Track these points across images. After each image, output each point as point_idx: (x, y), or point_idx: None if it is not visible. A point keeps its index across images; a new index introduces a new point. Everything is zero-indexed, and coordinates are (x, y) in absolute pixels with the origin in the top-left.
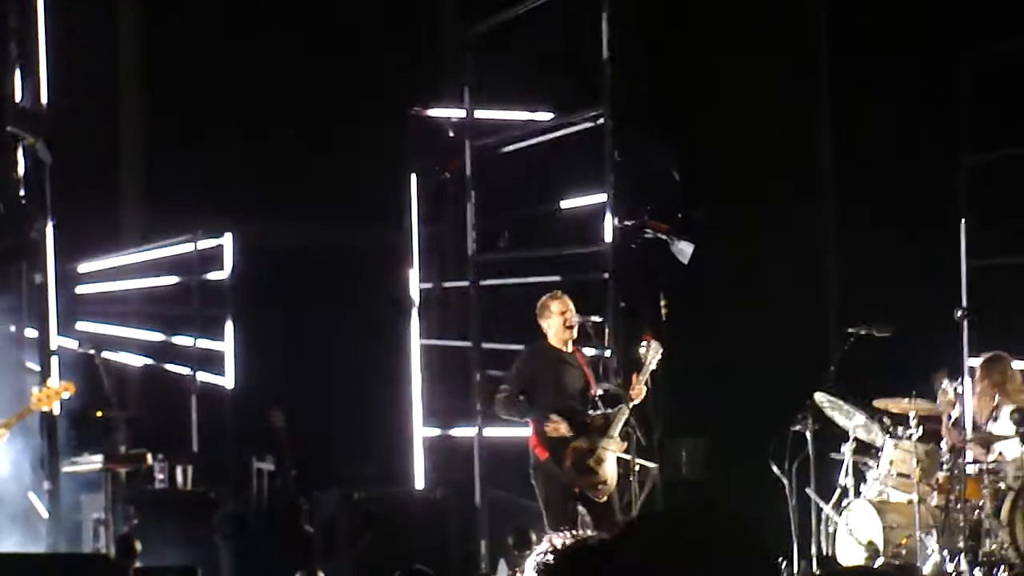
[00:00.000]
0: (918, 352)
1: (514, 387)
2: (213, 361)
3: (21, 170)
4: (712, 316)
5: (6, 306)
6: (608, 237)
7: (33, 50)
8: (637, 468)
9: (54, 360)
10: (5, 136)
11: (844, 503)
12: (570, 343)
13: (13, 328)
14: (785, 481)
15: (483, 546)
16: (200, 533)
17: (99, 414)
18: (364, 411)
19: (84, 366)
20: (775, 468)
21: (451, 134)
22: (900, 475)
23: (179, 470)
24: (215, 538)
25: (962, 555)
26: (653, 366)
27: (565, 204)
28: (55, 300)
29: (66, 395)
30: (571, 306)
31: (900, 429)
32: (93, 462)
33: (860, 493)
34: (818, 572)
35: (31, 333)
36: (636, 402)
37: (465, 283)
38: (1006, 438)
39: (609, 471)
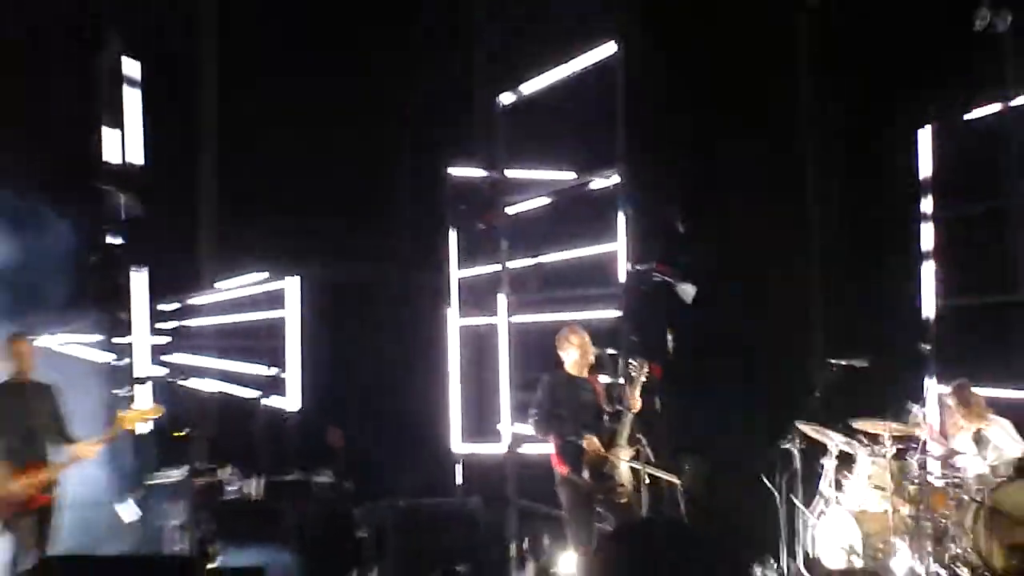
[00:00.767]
0: (889, 380)
1: (542, 409)
2: (278, 387)
3: (113, 222)
4: (712, 348)
5: (101, 340)
6: (621, 280)
7: (123, 115)
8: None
9: (139, 394)
10: (99, 192)
11: (826, 511)
12: (586, 370)
13: (108, 360)
14: (775, 492)
15: (512, 549)
16: (267, 537)
17: (180, 433)
18: (409, 430)
19: (168, 391)
20: (766, 481)
21: (485, 191)
22: (876, 487)
23: (249, 482)
24: (281, 542)
25: (930, 559)
26: (642, 380)
27: (584, 251)
28: (143, 335)
29: (154, 417)
30: (587, 338)
31: (875, 447)
32: (175, 475)
33: (841, 503)
34: (806, 573)
35: (123, 364)
36: (634, 411)
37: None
38: (964, 454)
39: (624, 476)
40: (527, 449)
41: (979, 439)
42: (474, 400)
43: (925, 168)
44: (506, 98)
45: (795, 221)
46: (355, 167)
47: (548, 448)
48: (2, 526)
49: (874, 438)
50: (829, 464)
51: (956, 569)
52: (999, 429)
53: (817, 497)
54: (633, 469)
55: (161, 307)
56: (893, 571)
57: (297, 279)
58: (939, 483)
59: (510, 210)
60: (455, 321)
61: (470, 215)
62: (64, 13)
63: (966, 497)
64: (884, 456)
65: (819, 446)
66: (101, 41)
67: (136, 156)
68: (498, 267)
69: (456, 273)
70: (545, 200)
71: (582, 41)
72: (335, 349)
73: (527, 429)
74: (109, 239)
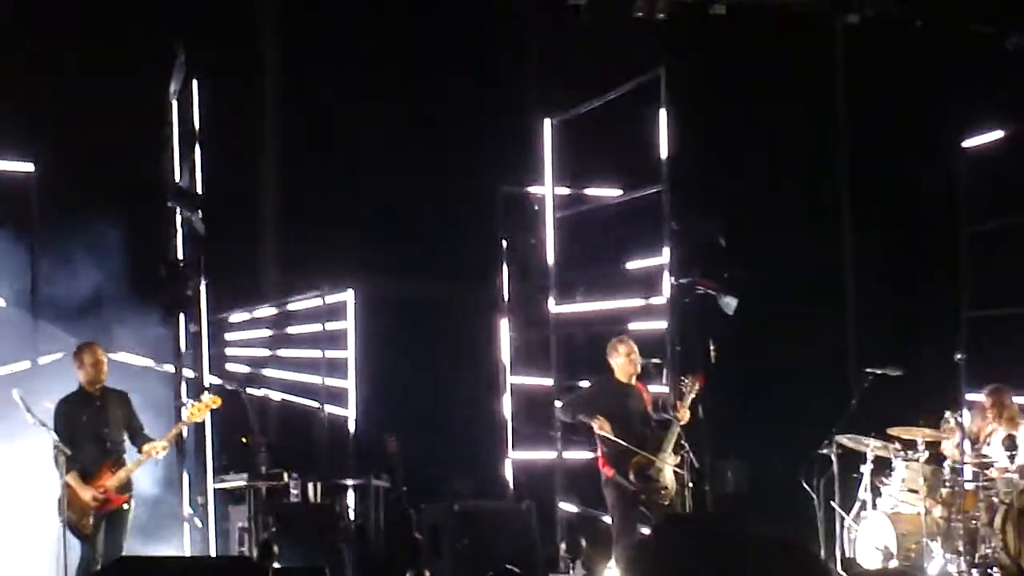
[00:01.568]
0: (924, 388)
1: (576, 399)
2: (338, 396)
3: (180, 238)
4: (753, 358)
5: (168, 351)
6: (666, 292)
7: (190, 136)
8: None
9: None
10: (167, 211)
11: (863, 514)
12: (634, 378)
13: (173, 369)
14: (814, 496)
15: (561, 549)
16: (328, 539)
17: (244, 439)
18: (463, 437)
19: (232, 400)
20: (805, 485)
21: (536, 207)
22: (910, 491)
23: (310, 486)
24: (339, 543)
25: (961, 558)
26: (692, 395)
27: (630, 265)
28: (208, 346)
29: (214, 406)
30: (635, 348)
31: (910, 452)
32: (239, 479)
33: (876, 506)
34: (843, 574)
35: (188, 373)
36: (683, 423)
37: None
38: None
39: (668, 479)
40: (574, 455)
41: (1011, 443)
42: (524, 407)
43: (959, 182)
44: (557, 118)
45: (832, 234)
46: (413, 187)
47: (595, 453)
48: (78, 529)
49: (909, 444)
50: (866, 470)
51: (987, 569)
52: None
53: (856, 502)
54: (676, 474)
55: (225, 319)
56: (926, 571)
57: (355, 292)
58: (970, 486)
59: (560, 225)
60: (506, 332)
61: (522, 230)
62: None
63: (996, 499)
64: (918, 460)
65: (857, 453)
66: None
67: (202, 175)
68: (547, 280)
69: (508, 285)
70: (593, 216)
71: (630, 65)
72: (392, 360)
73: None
74: (176, 254)
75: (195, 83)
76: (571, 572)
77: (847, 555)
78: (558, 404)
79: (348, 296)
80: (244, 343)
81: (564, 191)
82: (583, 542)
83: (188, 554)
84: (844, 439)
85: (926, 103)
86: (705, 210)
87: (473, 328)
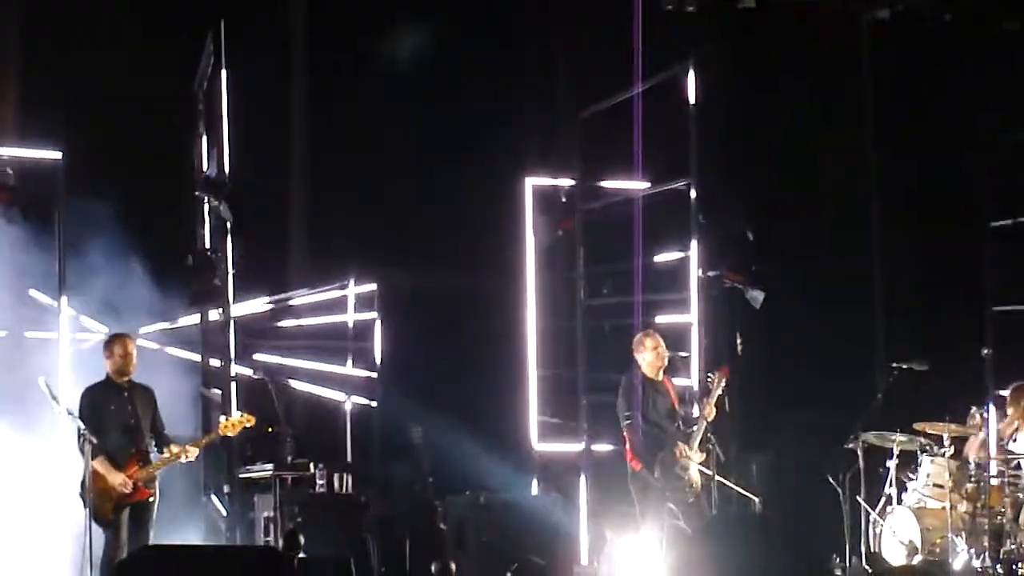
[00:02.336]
0: (950, 383)
1: (637, 413)
2: (363, 386)
3: (207, 228)
4: (779, 352)
5: (194, 340)
6: (693, 285)
7: (218, 127)
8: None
9: (233, 385)
10: (195, 200)
11: (888, 509)
12: (661, 372)
13: (199, 358)
14: (839, 490)
15: (586, 541)
16: (353, 529)
17: (269, 429)
18: (488, 429)
19: (258, 390)
20: (831, 479)
21: (564, 199)
22: (935, 486)
23: (336, 477)
24: (364, 534)
25: (986, 553)
26: (719, 392)
27: (658, 258)
28: (235, 335)
29: (248, 426)
30: (662, 342)
31: (935, 447)
32: (265, 469)
33: (902, 501)
34: (868, 568)
35: (215, 363)
36: (709, 420)
37: (574, 323)
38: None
39: (694, 476)
40: (600, 447)
41: None
42: (551, 400)
43: (987, 178)
44: (586, 111)
45: (859, 229)
46: (442, 178)
47: (621, 446)
48: (99, 516)
49: (935, 439)
50: (892, 465)
51: (1012, 565)
52: None
53: (882, 496)
54: (702, 472)
55: (252, 308)
56: (951, 566)
57: (383, 283)
58: (996, 482)
59: (587, 217)
60: (533, 324)
61: (549, 222)
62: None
63: (1022, 495)
64: (943, 456)
65: (882, 448)
66: (199, 52)
67: (229, 164)
68: (575, 272)
69: (535, 278)
70: (621, 208)
71: (659, 58)
72: (418, 351)
73: (623, 429)
74: (204, 244)
75: (224, 73)
76: (596, 564)
77: (872, 549)
78: (624, 427)
79: (374, 287)
80: (271, 333)
81: (592, 184)
82: (608, 534)
83: (214, 544)
84: (870, 435)
85: (954, 99)
86: (732, 204)
87: (499, 320)
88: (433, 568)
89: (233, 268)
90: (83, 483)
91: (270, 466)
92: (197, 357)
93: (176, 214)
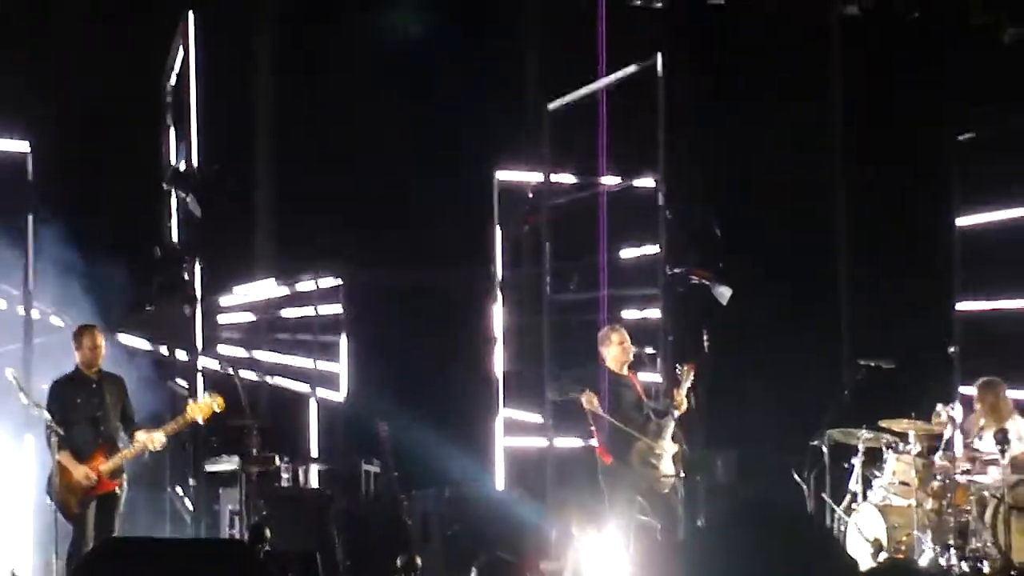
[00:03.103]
0: (916, 380)
1: (565, 378)
2: (329, 380)
3: (175, 220)
4: (745, 348)
5: (160, 333)
6: (660, 281)
7: (186, 120)
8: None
9: (199, 378)
10: (163, 193)
11: (854, 507)
12: (626, 367)
13: (166, 351)
14: (805, 487)
15: (552, 536)
16: (318, 524)
17: (235, 423)
18: (454, 424)
19: (223, 383)
20: (796, 476)
21: (530, 193)
22: (901, 483)
23: (301, 471)
24: (330, 528)
25: (952, 551)
26: (687, 384)
27: (625, 253)
28: (201, 327)
29: (217, 409)
30: (627, 337)
31: (901, 445)
32: (231, 463)
33: (867, 498)
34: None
35: (181, 355)
36: (680, 411)
37: (540, 317)
38: (990, 455)
39: (668, 467)
40: (565, 442)
41: (1003, 437)
42: (516, 395)
43: (953, 176)
44: (553, 104)
45: (826, 226)
46: (407, 171)
47: (589, 441)
48: (65, 510)
49: (901, 436)
50: (857, 462)
51: (977, 563)
52: (1021, 428)
53: (847, 494)
54: (675, 462)
55: (218, 301)
56: (916, 562)
57: (349, 277)
58: (962, 479)
59: (554, 212)
60: (499, 319)
61: (515, 217)
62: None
63: (987, 493)
64: (909, 453)
65: (848, 445)
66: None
67: (197, 157)
68: (541, 267)
69: (501, 272)
70: (588, 203)
71: (627, 53)
72: (384, 345)
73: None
74: (172, 236)
75: (192, 66)
76: (562, 559)
77: None
78: (549, 387)
79: (340, 280)
80: (237, 326)
81: (559, 178)
82: (574, 529)
83: (178, 536)
84: (836, 432)
85: (923, 95)
86: (700, 200)
87: (466, 315)
88: (398, 562)
89: (200, 261)
90: (49, 477)
91: (236, 459)
92: (164, 350)
93: (144, 206)
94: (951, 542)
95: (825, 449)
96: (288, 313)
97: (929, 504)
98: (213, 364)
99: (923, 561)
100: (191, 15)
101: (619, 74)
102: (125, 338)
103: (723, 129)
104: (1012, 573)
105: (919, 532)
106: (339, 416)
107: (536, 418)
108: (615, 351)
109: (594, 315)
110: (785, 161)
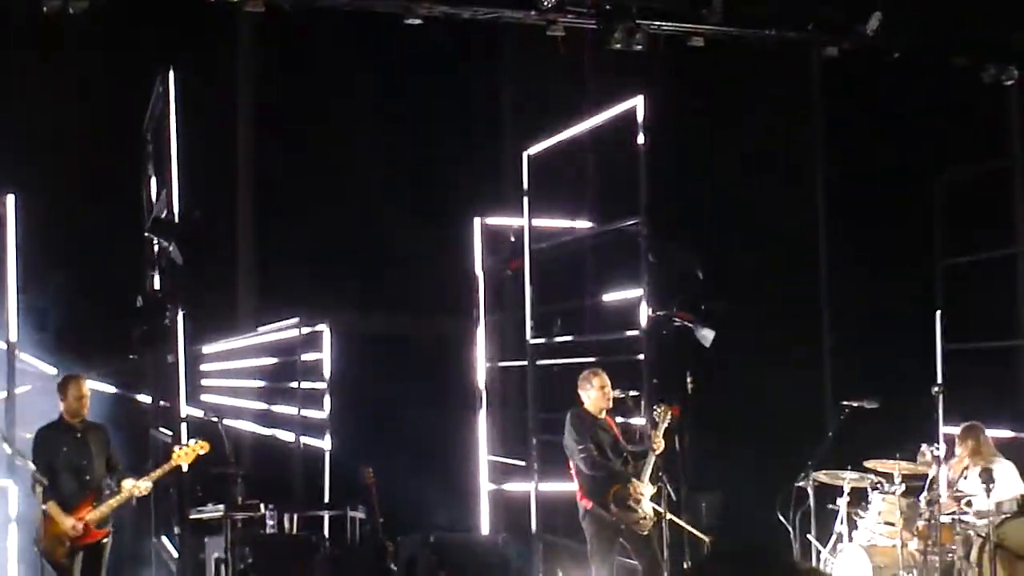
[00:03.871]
0: (900, 421)
1: (588, 448)
2: (313, 427)
3: (157, 268)
4: (730, 391)
5: (145, 381)
6: (643, 324)
7: (167, 168)
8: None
9: (183, 426)
10: (144, 241)
11: (839, 547)
12: (604, 412)
13: (149, 399)
14: (790, 528)
15: None
16: (304, 571)
17: (219, 471)
18: (439, 469)
19: (207, 431)
20: (781, 517)
21: (512, 238)
22: (886, 523)
23: (286, 518)
24: (316, 574)
25: None
26: (665, 424)
27: (607, 297)
28: (184, 376)
29: (202, 452)
30: (608, 382)
31: (886, 485)
32: (216, 511)
33: (853, 539)
34: None
35: (164, 403)
36: (658, 452)
37: (523, 363)
38: (974, 495)
39: (647, 509)
40: (550, 487)
41: (988, 477)
42: (501, 440)
43: (936, 215)
44: (533, 149)
45: (809, 268)
46: (388, 220)
47: (571, 485)
48: (53, 559)
49: (886, 476)
50: (842, 502)
51: None
52: (1005, 468)
53: (832, 534)
54: (655, 506)
55: (201, 350)
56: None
57: (331, 323)
58: (947, 519)
59: (536, 256)
60: (483, 364)
61: (498, 262)
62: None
63: (972, 533)
64: (894, 493)
65: (833, 485)
66: (147, 93)
67: (179, 206)
68: (524, 312)
69: (484, 318)
70: (570, 248)
71: (607, 97)
72: (368, 391)
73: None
74: (154, 284)
75: (172, 113)
76: None
77: None
78: (584, 463)
79: (324, 327)
80: (220, 374)
81: (541, 223)
82: (560, 573)
83: None
84: (820, 473)
85: (903, 136)
86: (682, 242)
87: (449, 360)
88: None
89: (183, 309)
90: (36, 527)
91: (221, 507)
92: (147, 398)
93: (125, 255)
94: None
95: (810, 490)
96: (271, 361)
97: (914, 544)
98: (197, 412)
99: None
100: (171, 68)
101: (600, 117)
102: (108, 387)
103: (705, 171)
104: None
105: (904, 572)
106: (324, 462)
107: (521, 462)
108: (595, 395)
109: (578, 359)
110: (768, 203)
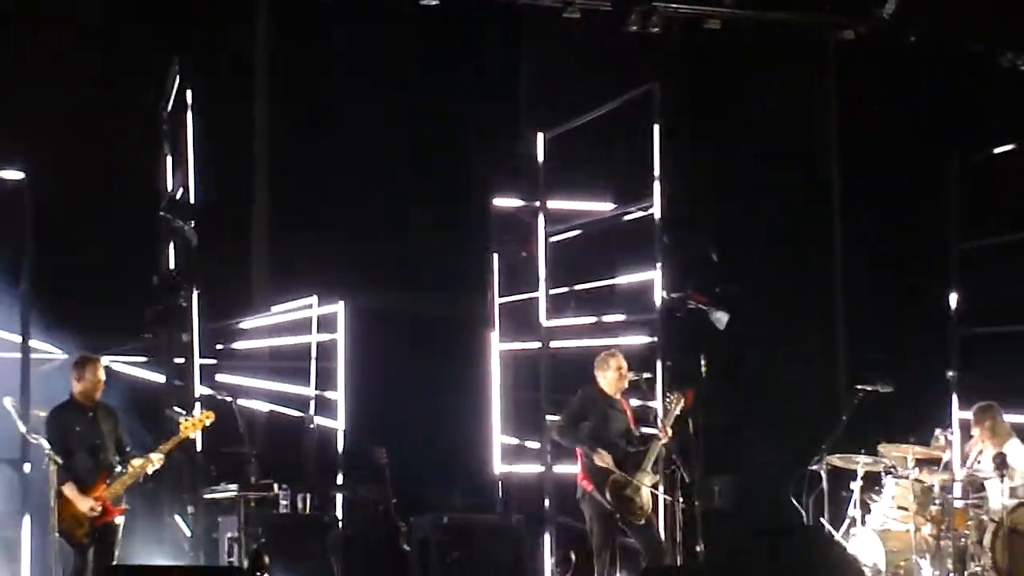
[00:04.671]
0: (915, 405)
1: (568, 419)
2: (327, 407)
3: (172, 248)
4: (743, 374)
5: (160, 361)
6: (658, 306)
7: (183, 149)
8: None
9: (197, 406)
10: (160, 221)
11: (853, 531)
12: (619, 393)
13: (163, 379)
14: (803, 512)
15: (549, 563)
16: (317, 550)
17: (233, 451)
18: (452, 449)
19: (221, 411)
20: (795, 502)
21: (528, 220)
22: (900, 508)
23: (299, 498)
24: (329, 555)
25: (951, 575)
26: (676, 413)
27: (622, 279)
28: (198, 355)
29: (208, 422)
30: (624, 363)
31: (900, 469)
32: (229, 490)
33: (866, 523)
34: None
35: (178, 383)
36: (663, 442)
37: (537, 344)
38: (988, 478)
39: (645, 499)
40: (563, 469)
41: (1002, 461)
42: (514, 421)
43: (952, 199)
44: (550, 132)
45: (823, 250)
46: (406, 200)
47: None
48: (74, 539)
49: (899, 461)
50: (856, 487)
51: None
52: (1020, 451)
53: (846, 519)
54: (653, 494)
55: (216, 329)
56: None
57: (345, 303)
58: (960, 504)
59: (551, 239)
60: (496, 346)
61: (512, 243)
62: (129, 45)
63: (986, 517)
64: (907, 478)
65: (847, 469)
66: (163, 72)
67: (194, 185)
68: (538, 294)
69: (498, 299)
70: (584, 229)
71: (624, 79)
72: (382, 372)
73: (555, 435)
74: (169, 264)
75: (189, 93)
76: None
77: None
78: (554, 428)
79: (338, 307)
80: (234, 353)
81: (556, 205)
82: (572, 556)
83: (178, 564)
84: (834, 457)
85: (919, 120)
86: (697, 225)
87: (463, 341)
88: None
89: (197, 289)
90: (51, 506)
91: (234, 487)
92: (161, 378)
93: (141, 235)
94: (950, 567)
95: (823, 474)
96: (286, 340)
97: (928, 529)
98: (211, 392)
99: None
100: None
101: (616, 101)
102: (122, 366)
103: (720, 153)
104: None
105: (918, 557)
106: (337, 443)
107: (534, 444)
108: (612, 376)
109: (592, 341)
110: (782, 185)
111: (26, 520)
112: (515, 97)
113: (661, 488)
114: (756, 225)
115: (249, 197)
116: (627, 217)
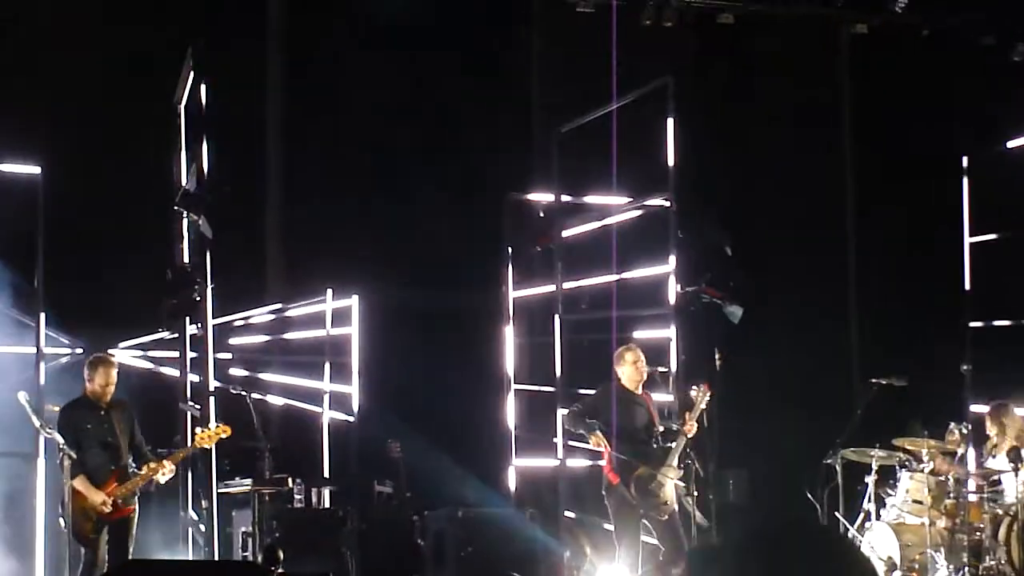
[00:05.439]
0: (929, 399)
1: (584, 409)
2: (341, 401)
3: (186, 242)
4: (758, 367)
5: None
6: (672, 300)
7: (197, 142)
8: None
9: (211, 400)
10: (174, 214)
11: (867, 525)
12: (640, 386)
13: (177, 373)
14: (818, 506)
15: (565, 557)
16: (331, 544)
17: (247, 444)
18: (467, 443)
19: (235, 405)
20: (809, 495)
21: (541, 214)
22: (914, 502)
23: (314, 492)
24: (343, 549)
25: (966, 569)
26: (703, 406)
27: (636, 273)
28: (212, 349)
29: (224, 436)
30: (642, 356)
31: (914, 463)
32: (243, 485)
33: (880, 517)
34: None
35: (192, 377)
36: (690, 436)
37: (551, 339)
38: (1003, 472)
39: (669, 494)
40: (577, 462)
41: (1017, 455)
42: (529, 415)
43: (964, 193)
44: (564, 126)
45: (837, 245)
46: (420, 195)
47: (598, 461)
48: (81, 534)
49: (914, 454)
50: (870, 480)
51: None
52: None
53: (860, 512)
54: (678, 489)
55: (230, 322)
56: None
57: (359, 297)
58: (974, 498)
59: (565, 233)
60: (511, 339)
61: (527, 238)
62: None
63: (1001, 511)
64: (922, 471)
65: (861, 463)
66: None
67: (208, 178)
68: (553, 288)
69: (513, 294)
70: (599, 223)
71: (638, 73)
72: (396, 365)
73: (565, 421)
74: (183, 258)
75: (203, 87)
76: None
77: None
78: (564, 413)
79: (352, 301)
80: (248, 347)
81: (570, 199)
82: (587, 549)
83: (192, 559)
84: (848, 451)
85: (932, 113)
86: (711, 219)
87: (477, 335)
88: None
89: (212, 283)
90: (62, 501)
91: (248, 481)
92: (175, 372)
93: (155, 228)
94: (965, 560)
95: (838, 467)
96: (300, 334)
97: (942, 522)
98: (225, 386)
99: None
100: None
101: (631, 96)
102: (137, 360)
103: (734, 147)
104: None
105: (932, 550)
106: (351, 436)
107: (549, 438)
108: (629, 370)
109: (606, 335)
110: (797, 179)
111: (40, 514)
112: (529, 91)
113: (683, 484)
114: (770, 219)
115: (264, 190)
116: (641, 211)
